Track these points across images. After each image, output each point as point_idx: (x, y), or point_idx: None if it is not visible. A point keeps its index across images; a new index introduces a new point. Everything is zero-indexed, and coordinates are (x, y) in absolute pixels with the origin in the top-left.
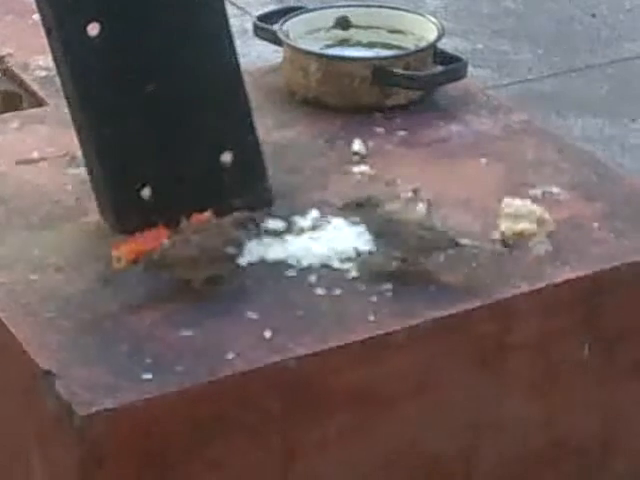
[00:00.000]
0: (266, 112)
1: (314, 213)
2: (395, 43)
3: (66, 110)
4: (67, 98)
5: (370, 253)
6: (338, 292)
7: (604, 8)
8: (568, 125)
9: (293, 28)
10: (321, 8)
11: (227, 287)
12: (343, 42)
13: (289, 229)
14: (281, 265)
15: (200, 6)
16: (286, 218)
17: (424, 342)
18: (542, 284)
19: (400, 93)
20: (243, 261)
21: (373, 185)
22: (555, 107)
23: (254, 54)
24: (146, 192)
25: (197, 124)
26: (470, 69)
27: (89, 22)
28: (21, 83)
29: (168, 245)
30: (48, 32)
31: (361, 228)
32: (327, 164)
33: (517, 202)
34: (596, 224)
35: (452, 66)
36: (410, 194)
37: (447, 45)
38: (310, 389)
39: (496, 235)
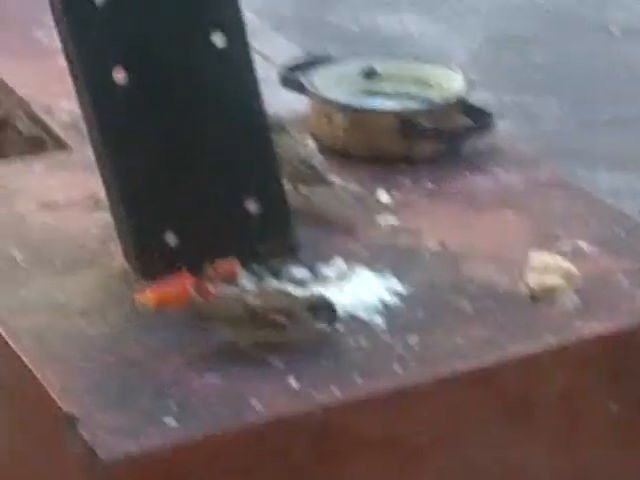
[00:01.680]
0: None
1: (340, 263)
2: (422, 95)
3: (90, 154)
4: (92, 143)
5: (396, 304)
6: (365, 343)
7: (631, 63)
8: (595, 179)
9: (320, 78)
10: (348, 59)
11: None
12: (370, 93)
13: (314, 278)
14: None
15: (227, 55)
16: (311, 267)
17: (450, 394)
18: (569, 339)
19: (427, 145)
20: None
21: (400, 236)
22: (582, 160)
23: (279, 103)
24: (171, 237)
25: (223, 171)
26: (497, 122)
27: (116, 69)
28: (45, 127)
29: (215, 299)
30: (74, 78)
31: (387, 278)
32: (353, 214)
33: (545, 256)
34: (624, 279)
35: (479, 119)
36: (437, 246)
37: (474, 97)
38: (336, 439)
39: (524, 289)
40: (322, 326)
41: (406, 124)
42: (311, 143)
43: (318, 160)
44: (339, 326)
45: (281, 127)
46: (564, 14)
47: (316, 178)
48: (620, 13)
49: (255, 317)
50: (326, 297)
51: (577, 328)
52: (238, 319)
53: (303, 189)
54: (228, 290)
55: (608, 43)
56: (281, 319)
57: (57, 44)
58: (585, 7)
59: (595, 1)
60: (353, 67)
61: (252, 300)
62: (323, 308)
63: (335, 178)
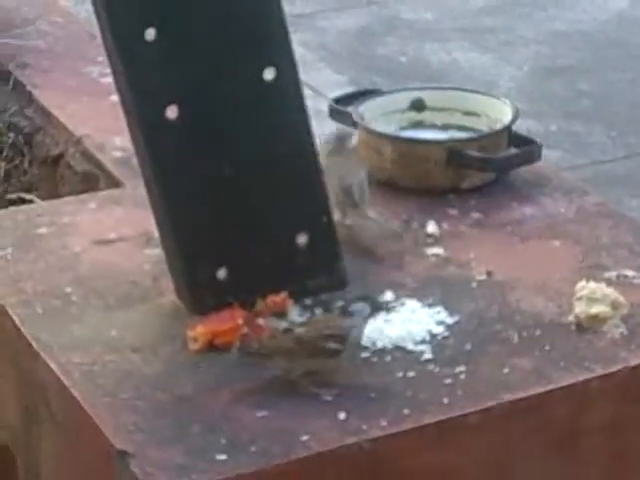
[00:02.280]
0: None
1: (388, 295)
2: (469, 125)
3: (142, 190)
4: (145, 179)
5: (443, 335)
6: (412, 374)
7: None
8: None
9: (368, 110)
10: (396, 91)
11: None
12: (418, 124)
13: (366, 311)
14: (355, 346)
15: (278, 89)
16: (364, 299)
17: (498, 425)
18: (617, 367)
19: (474, 175)
20: None
21: (447, 267)
22: (629, 189)
23: (327, 135)
24: (222, 273)
25: (273, 205)
26: (544, 151)
27: (168, 105)
28: (98, 164)
29: (268, 336)
30: (127, 114)
31: (435, 309)
32: (401, 245)
33: (592, 285)
34: None
35: (526, 149)
36: (484, 276)
37: (520, 126)
38: (384, 471)
39: (571, 318)
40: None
41: (453, 154)
42: (362, 171)
43: (359, 188)
44: (387, 357)
45: (342, 144)
46: (611, 42)
47: (351, 206)
48: None
49: (305, 346)
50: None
51: (624, 357)
52: (289, 351)
53: (348, 219)
54: (278, 324)
55: None
56: (333, 345)
57: (109, 80)
58: (632, 34)
59: None
60: (401, 99)
61: (301, 330)
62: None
63: (373, 211)
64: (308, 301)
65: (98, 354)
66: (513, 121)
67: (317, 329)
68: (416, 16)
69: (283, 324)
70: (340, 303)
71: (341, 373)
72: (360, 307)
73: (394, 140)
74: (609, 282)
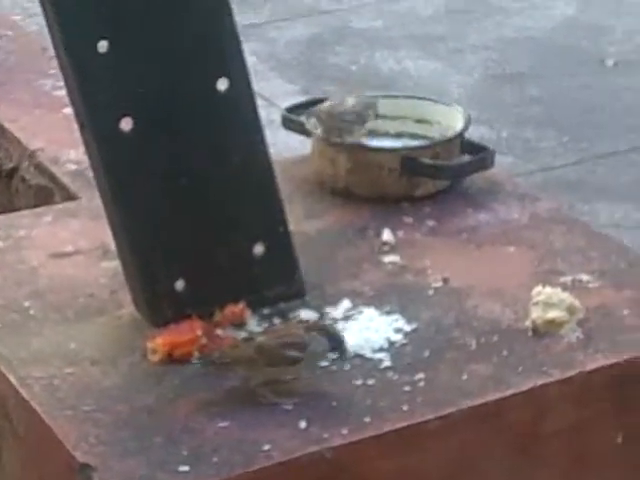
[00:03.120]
0: (296, 202)
1: (346, 303)
2: (422, 133)
3: (98, 203)
4: (100, 192)
5: (402, 342)
6: (372, 382)
7: (626, 94)
8: (595, 212)
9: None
10: (348, 99)
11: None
12: (371, 133)
13: (322, 319)
14: (315, 355)
15: (230, 99)
16: (318, 308)
17: (457, 431)
18: (574, 372)
19: (428, 183)
20: None
21: (403, 275)
22: (581, 194)
23: (281, 145)
24: (180, 284)
25: (229, 216)
26: (496, 157)
27: (122, 117)
28: (52, 177)
29: (229, 345)
30: (81, 127)
31: (392, 317)
32: (357, 254)
33: (547, 290)
34: (626, 311)
35: (479, 155)
36: (441, 284)
37: (473, 134)
38: (346, 479)
39: (527, 323)
40: (334, 359)
41: (407, 162)
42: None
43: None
44: (346, 365)
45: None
46: (559, 47)
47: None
48: (613, 46)
49: (266, 355)
50: (336, 330)
51: (581, 361)
52: (249, 360)
53: (309, 224)
54: (236, 334)
55: (603, 75)
56: (293, 353)
57: (63, 93)
58: (579, 40)
59: (589, 34)
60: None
61: (261, 339)
62: (334, 341)
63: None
64: (266, 311)
65: (58, 367)
66: (465, 128)
67: (277, 337)
68: (366, 25)
69: (242, 334)
70: (297, 312)
71: (301, 382)
72: (314, 316)
73: (348, 149)
74: (565, 287)
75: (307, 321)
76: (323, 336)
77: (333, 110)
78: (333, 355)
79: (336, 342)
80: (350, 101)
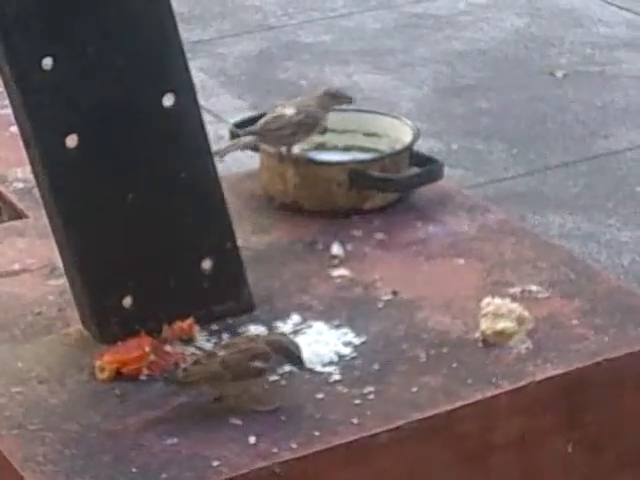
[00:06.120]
0: (244, 218)
1: (295, 317)
2: (371, 146)
3: (45, 221)
4: (47, 210)
5: (351, 356)
6: (321, 395)
7: (576, 106)
8: (545, 223)
9: None
10: None
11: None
12: (319, 146)
13: (272, 334)
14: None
15: (177, 114)
16: (267, 323)
17: (407, 443)
18: (523, 382)
19: (377, 196)
20: None
21: (353, 288)
22: (531, 205)
23: (230, 160)
24: (127, 301)
25: (177, 232)
26: (446, 169)
27: (67, 134)
28: None
29: (191, 362)
30: (26, 144)
31: (342, 330)
32: (306, 268)
33: (497, 301)
34: (575, 321)
35: (428, 168)
36: (390, 296)
37: (422, 146)
38: None
39: (477, 335)
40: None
41: (355, 175)
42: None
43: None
44: (296, 379)
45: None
46: (509, 60)
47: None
48: (563, 57)
49: (232, 368)
50: (292, 340)
51: (531, 372)
52: (216, 376)
53: (258, 239)
54: (185, 350)
55: (553, 87)
56: (258, 364)
57: (8, 111)
58: (529, 52)
59: (538, 46)
60: None
61: (224, 353)
62: (292, 351)
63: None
64: (215, 326)
65: (4, 386)
66: (414, 141)
67: (240, 351)
68: (315, 39)
69: (190, 350)
70: (246, 327)
71: (250, 397)
72: (262, 331)
73: (296, 163)
74: (514, 298)
75: (258, 335)
76: (281, 346)
77: (270, 125)
78: (288, 367)
79: (293, 353)
80: (288, 112)
